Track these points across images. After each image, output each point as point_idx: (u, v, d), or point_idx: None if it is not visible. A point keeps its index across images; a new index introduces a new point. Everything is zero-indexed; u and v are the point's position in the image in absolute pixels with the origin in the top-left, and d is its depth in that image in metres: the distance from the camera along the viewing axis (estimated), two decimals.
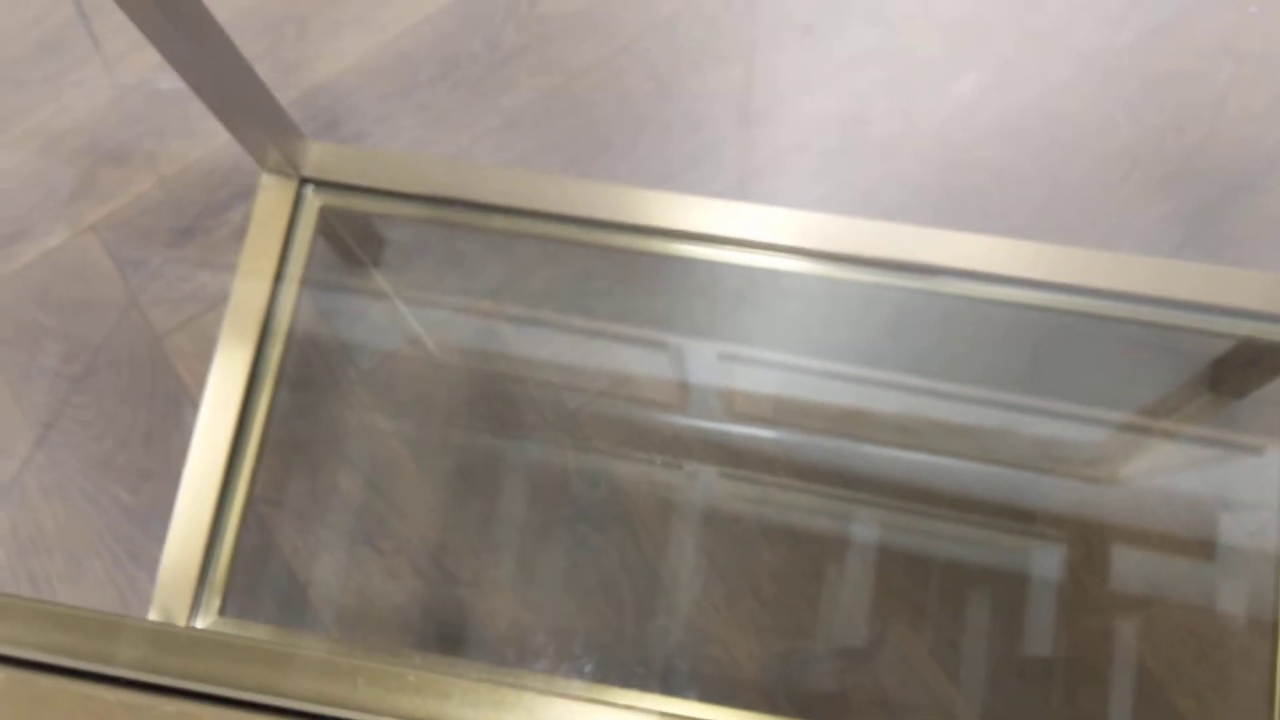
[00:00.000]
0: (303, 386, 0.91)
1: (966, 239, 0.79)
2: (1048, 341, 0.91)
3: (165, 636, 0.31)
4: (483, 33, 1.00)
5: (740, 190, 0.95)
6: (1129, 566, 0.86)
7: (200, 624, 0.71)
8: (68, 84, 1.00)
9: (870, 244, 0.81)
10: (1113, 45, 0.97)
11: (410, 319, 0.93)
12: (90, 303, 0.96)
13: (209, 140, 0.99)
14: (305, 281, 0.78)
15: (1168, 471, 0.88)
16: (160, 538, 0.89)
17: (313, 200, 0.78)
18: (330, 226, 0.81)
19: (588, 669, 0.85)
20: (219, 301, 0.95)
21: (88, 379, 0.94)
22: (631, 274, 0.94)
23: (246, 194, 0.97)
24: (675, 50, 0.99)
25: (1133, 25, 0.98)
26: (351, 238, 0.85)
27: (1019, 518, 0.87)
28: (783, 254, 0.83)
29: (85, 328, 0.95)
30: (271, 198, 0.76)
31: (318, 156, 0.78)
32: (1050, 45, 0.97)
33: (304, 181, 0.78)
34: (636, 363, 0.92)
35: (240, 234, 0.95)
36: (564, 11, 1.01)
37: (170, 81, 1.00)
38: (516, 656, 0.86)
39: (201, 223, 0.97)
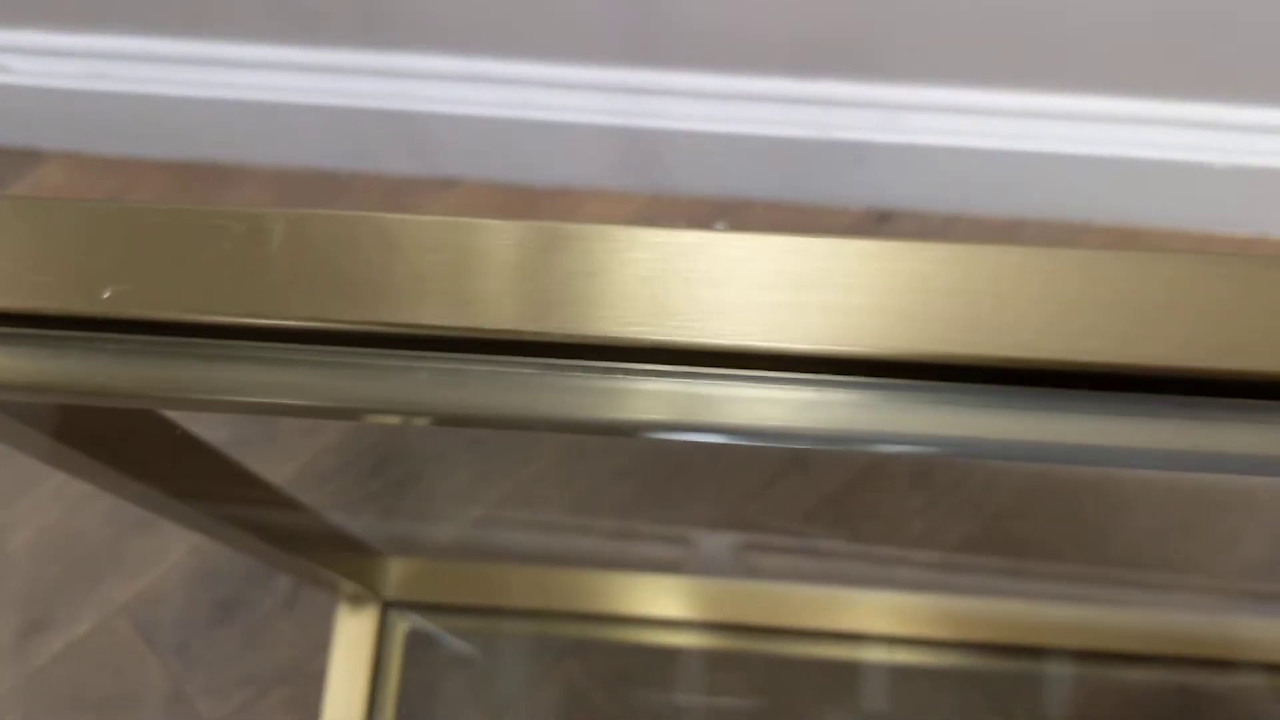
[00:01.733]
0: None
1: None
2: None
3: None
4: None
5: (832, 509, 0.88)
6: None
7: None
8: None
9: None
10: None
11: (496, 691, 0.84)
12: (130, 697, 0.86)
13: None
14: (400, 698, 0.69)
15: None
16: None
17: (399, 624, 0.70)
18: (416, 644, 0.73)
19: None
20: (274, 683, 0.85)
21: None
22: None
23: None
24: None
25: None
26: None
27: None
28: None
29: None
30: (353, 629, 0.68)
31: (400, 576, 0.69)
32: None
33: (387, 605, 0.69)
34: None
35: (290, 604, 0.87)
36: None
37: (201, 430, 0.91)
38: None
39: (245, 593, 0.88)
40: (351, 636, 0.68)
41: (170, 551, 0.89)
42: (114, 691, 0.86)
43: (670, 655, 0.76)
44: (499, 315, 0.25)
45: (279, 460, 0.90)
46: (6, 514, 0.90)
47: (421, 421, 0.28)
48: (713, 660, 0.78)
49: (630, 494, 0.89)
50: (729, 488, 0.89)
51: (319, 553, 0.63)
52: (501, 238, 0.26)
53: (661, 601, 0.70)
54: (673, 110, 0.86)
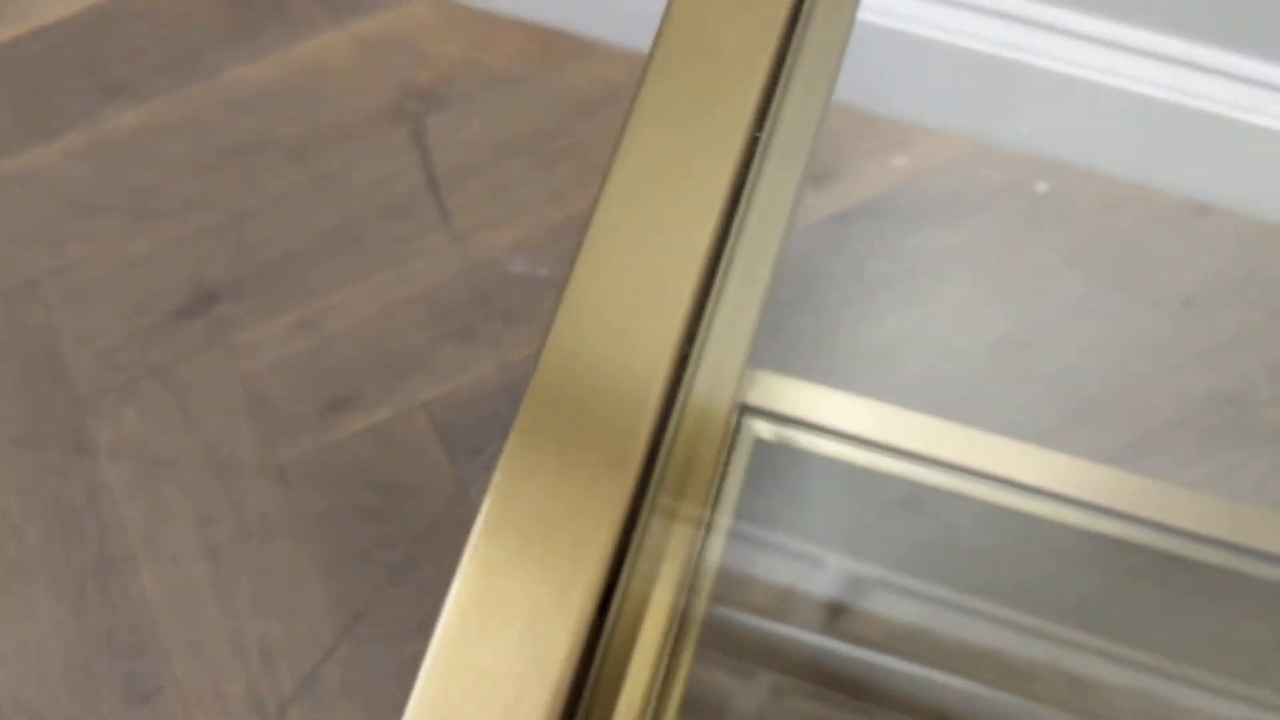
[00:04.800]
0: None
1: None
2: None
3: None
4: (846, 259, 0.97)
5: (1120, 461, 0.90)
6: None
7: None
8: (412, 251, 0.96)
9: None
10: None
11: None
12: (416, 488, 0.89)
13: None
14: (736, 517, 0.72)
15: None
16: None
17: (750, 429, 0.72)
18: (760, 464, 0.75)
19: None
20: None
21: (406, 570, 0.87)
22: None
23: None
24: (1046, 302, 0.95)
25: None
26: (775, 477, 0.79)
27: None
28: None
29: (408, 514, 0.88)
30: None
31: (762, 386, 0.72)
32: None
33: (744, 410, 0.72)
34: None
35: None
36: (932, 247, 0.97)
37: (522, 266, 0.95)
38: None
39: None
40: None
41: (478, 366, 0.93)
42: (402, 479, 0.89)
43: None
44: None
45: None
46: (327, 302, 0.95)
47: None
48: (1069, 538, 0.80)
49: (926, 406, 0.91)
50: (1023, 428, 0.91)
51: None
52: None
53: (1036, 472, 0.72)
54: (1041, 46, 0.90)
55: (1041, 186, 0.99)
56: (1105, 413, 0.91)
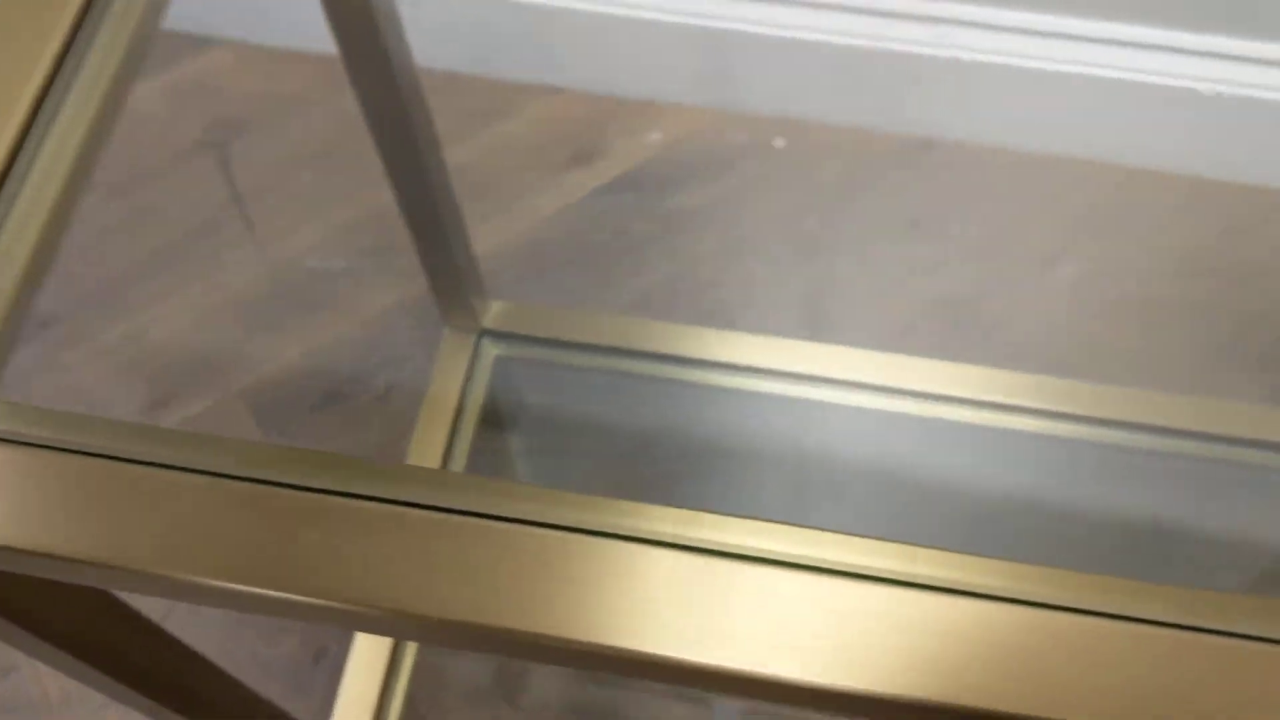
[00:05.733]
0: None
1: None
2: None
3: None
4: (611, 225, 1.08)
5: None
6: None
7: None
8: (222, 262, 1.07)
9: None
10: (1205, 242, 1.05)
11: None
12: None
13: (355, 314, 1.04)
14: (480, 428, 0.82)
15: None
16: None
17: (489, 350, 0.83)
18: (503, 376, 0.86)
19: None
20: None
21: None
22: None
23: (390, 363, 1.02)
24: (789, 241, 1.07)
25: (1212, 225, 1.06)
26: (524, 385, 0.89)
27: None
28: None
29: None
30: (452, 349, 0.81)
31: (497, 312, 0.83)
32: (1148, 241, 1.05)
33: (483, 334, 0.83)
34: None
35: (383, 398, 1.00)
36: (687, 206, 1.09)
37: (318, 261, 1.07)
38: None
39: (345, 389, 1.01)
40: (449, 356, 0.81)
41: (286, 353, 1.03)
42: None
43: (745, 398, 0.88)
44: None
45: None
46: (147, 316, 1.05)
47: None
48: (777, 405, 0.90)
49: None
50: None
51: (459, 261, 0.76)
52: None
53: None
54: (757, 15, 1.02)
55: (779, 143, 1.12)
56: (844, 325, 1.03)
